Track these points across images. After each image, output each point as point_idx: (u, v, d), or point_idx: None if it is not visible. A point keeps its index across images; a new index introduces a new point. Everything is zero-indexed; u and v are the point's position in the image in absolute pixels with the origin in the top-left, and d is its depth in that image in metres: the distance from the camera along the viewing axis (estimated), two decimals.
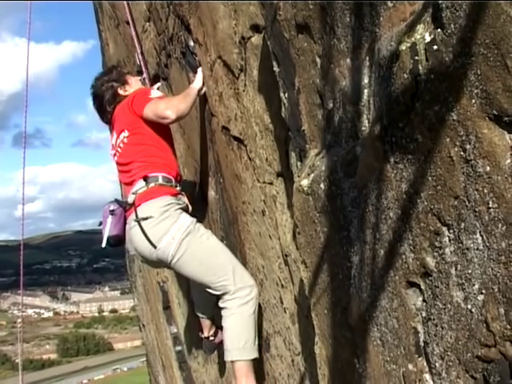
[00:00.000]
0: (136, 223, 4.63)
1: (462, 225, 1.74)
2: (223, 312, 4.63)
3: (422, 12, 1.81)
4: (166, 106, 4.75)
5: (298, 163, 3.15)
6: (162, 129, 4.89)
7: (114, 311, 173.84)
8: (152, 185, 4.70)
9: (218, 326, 5.19)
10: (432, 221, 1.87)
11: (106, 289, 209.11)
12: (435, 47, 1.71)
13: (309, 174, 2.77)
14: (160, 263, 4.88)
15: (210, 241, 4.75)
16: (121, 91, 5.22)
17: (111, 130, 5.26)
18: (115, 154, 5.04)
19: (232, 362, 4.61)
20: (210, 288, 4.69)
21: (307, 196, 2.76)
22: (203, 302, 5.36)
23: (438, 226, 1.85)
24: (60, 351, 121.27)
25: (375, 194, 2.15)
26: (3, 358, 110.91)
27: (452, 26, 1.64)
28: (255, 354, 4.61)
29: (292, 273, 4.00)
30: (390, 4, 2.02)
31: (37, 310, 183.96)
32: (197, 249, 4.65)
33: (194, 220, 4.74)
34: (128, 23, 6.58)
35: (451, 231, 1.80)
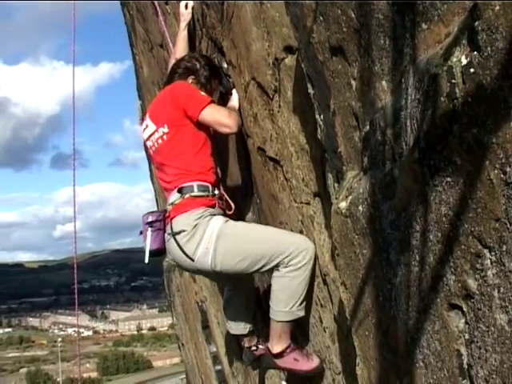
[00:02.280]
0: (171, 236, 4.57)
1: (504, 247, 1.73)
2: (274, 273, 4.50)
3: (457, 34, 1.81)
4: (229, 115, 4.65)
5: (335, 184, 3.15)
6: (203, 128, 4.74)
7: (152, 329, 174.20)
8: (187, 196, 4.60)
9: (259, 336, 5.12)
10: (473, 243, 1.85)
11: (144, 307, 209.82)
12: (472, 70, 1.70)
13: (347, 197, 2.77)
14: (205, 273, 4.87)
15: (244, 230, 4.69)
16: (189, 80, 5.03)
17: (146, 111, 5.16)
18: (152, 147, 4.93)
19: (272, 320, 4.59)
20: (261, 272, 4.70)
21: (346, 218, 2.76)
22: (238, 319, 5.29)
23: (479, 249, 1.83)
24: (100, 369, 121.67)
25: (414, 216, 2.14)
26: (45, 376, 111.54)
27: (489, 48, 1.64)
28: (300, 314, 4.51)
29: (331, 292, 3.99)
30: (424, 26, 2.02)
31: (77, 329, 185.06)
32: (234, 247, 4.52)
33: (225, 219, 4.62)
34: (162, 46, 6.64)
35: (493, 253, 1.78)
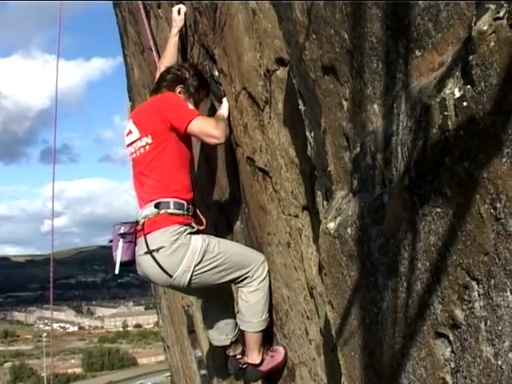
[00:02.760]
0: (148, 254, 4.63)
1: (492, 281, 1.72)
2: (244, 289, 4.85)
3: (451, 66, 1.79)
4: (216, 126, 4.65)
5: (324, 202, 3.14)
6: (185, 144, 4.78)
7: (138, 326, 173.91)
8: (162, 212, 4.63)
9: (244, 344, 5.21)
10: (461, 274, 1.84)
11: (131, 304, 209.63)
12: (465, 104, 1.69)
13: (335, 217, 2.75)
14: (177, 288, 5.00)
15: (222, 246, 4.80)
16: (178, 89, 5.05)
17: (129, 117, 5.13)
18: (133, 153, 4.91)
19: (248, 332, 4.95)
20: (230, 282, 4.94)
21: (334, 239, 2.75)
22: (219, 330, 5.33)
23: (467, 280, 1.82)
24: (85, 365, 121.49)
25: (403, 244, 2.13)
26: (29, 371, 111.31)
27: (482, 83, 1.62)
28: (268, 319, 4.95)
29: (317, 305, 3.98)
30: (417, 53, 2.01)
31: (62, 325, 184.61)
32: (213, 266, 4.72)
33: (204, 237, 4.73)
34: (151, 49, 6.62)
35: (481, 286, 1.77)
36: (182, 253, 4.59)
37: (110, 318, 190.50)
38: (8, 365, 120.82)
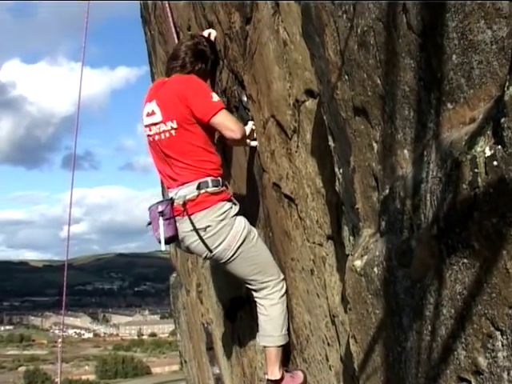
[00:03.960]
0: (193, 231, 4.86)
1: None
2: (264, 303, 5.01)
3: (482, 123, 1.85)
4: (236, 122, 4.87)
5: (351, 237, 3.19)
6: (210, 130, 4.89)
7: (153, 335, 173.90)
8: (203, 192, 4.80)
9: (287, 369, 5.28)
10: (485, 324, 1.89)
11: (146, 312, 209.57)
12: (495, 163, 1.74)
13: (362, 256, 2.80)
14: (211, 260, 5.42)
15: (259, 242, 5.08)
16: (197, 67, 5.09)
17: (150, 97, 5.15)
18: (155, 135, 4.98)
19: (269, 347, 5.06)
20: (251, 283, 5.08)
21: (360, 277, 2.80)
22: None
23: (491, 330, 1.87)
24: (99, 373, 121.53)
25: (429, 289, 2.18)
26: (43, 376, 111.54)
27: None
28: (287, 337, 5.09)
29: (339, 333, 4.02)
30: (449, 106, 2.07)
31: (77, 331, 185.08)
32: (249, 252, 4.97)
33: (247, 222, 5.02)
34: None
35: (504, 337, 1.81)
36: (225, 232, 4.86)
37: (126, 325, 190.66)
38: (22, 369, 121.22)
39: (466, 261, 1.94)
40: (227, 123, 4.76)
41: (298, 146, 4.30)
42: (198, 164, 4.83)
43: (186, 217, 4.84)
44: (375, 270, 2.66)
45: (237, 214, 4.96)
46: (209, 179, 4.82)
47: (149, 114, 5.03)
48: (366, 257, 2.77)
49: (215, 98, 4.81)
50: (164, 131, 4.88)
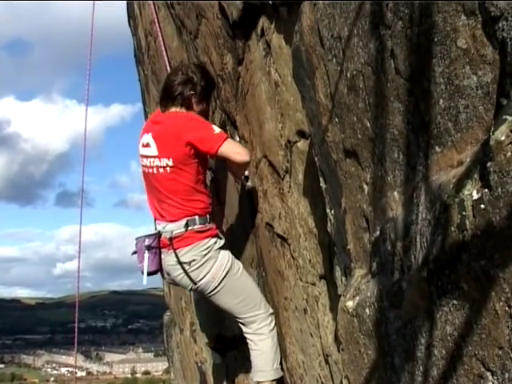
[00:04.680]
0: (178, 265, 4.93)
1: (507, 375, 1.77)
2: (254, 338, 5.04)
3: (470, 167, 1.88)
4: (242, 146, 5.00)
5: (343, 278, 3.22)
6: (203, 167, 4.97)
7: (146, 373, 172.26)
8: (190, 229, 4.88)
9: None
10: (476, 365, 1.90)
11: (140, 350, 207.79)
12: (482, 206, 1.77)
13: (354, 296, 2.83)
14: (196, 292, 5.42)
15: (243, 275, 5.12)
16: (192, 100, 5.02)
17: (147, 128, 5.16)
18: (149, 168, 5.00)
19: (263, 382, 5.04)
20: (238, 318, 5.10)
21: (352, 317, 2.82)
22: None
23: (481, 371, 1.88)
24: None
25: (420, 330, 2.20)
26: None
27: (499, 189, 1.71)
28: (281, 372, 5.08)
29: (332, 373, 4.01)
30: (437, 149, 2.10)
31: (70, 369, 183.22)
32: (233, 285, 5.01)
33: (230, 255, 5.05)
34: None
35: (495, 378, 1.83)
36: (210, 264, 4.92)
37: (119, 363, 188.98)
38: None
39: (455, 302, 1.96)
40: (234, 149, 4.79)
41: (290, 186, 4.33)
42: (187, 203, 4.90)
43: (172, 251, 4.93)
44: (367, 310, 2.68)
45: (222, 248, 5.01)
46: (196, 217, 4.89)
47: (144, 146, 5.07)
48: (357, 298, 2.80)
49: (216, 129, 4.84)
50: (158, 166, 4.91)
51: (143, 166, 5.09)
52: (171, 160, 4.83)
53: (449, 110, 2.02)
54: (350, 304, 2.83)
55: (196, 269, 4.91)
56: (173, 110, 5.01)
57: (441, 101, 2.05)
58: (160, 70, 7.34)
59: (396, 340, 2.43)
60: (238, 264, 5.12)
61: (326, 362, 4.15)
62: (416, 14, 2.12)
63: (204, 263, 4.90)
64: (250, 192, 5.21)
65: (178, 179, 4.87)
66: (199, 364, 8.40)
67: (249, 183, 5.25)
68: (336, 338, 3.55)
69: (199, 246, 4.90)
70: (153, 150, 4.95)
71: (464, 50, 1.91)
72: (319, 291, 4.15)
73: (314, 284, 4.21)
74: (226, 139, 4.77)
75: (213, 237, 4.98)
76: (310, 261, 4.20)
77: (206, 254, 4.90)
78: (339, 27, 2.77)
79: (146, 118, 10.24)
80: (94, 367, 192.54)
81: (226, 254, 5.02)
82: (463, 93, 1.94)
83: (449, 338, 2.03)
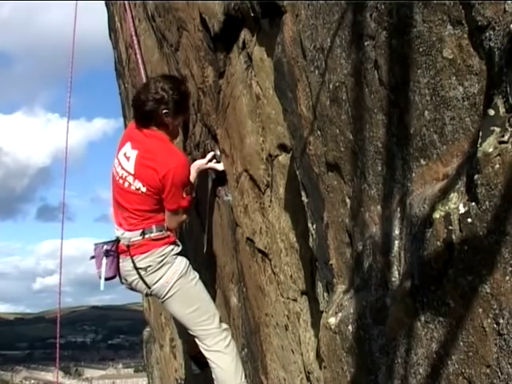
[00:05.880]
0: (134, 270, 5.00)
1: None
2: (211, 356, 5.01)
3: (455, 179, 1.84)
4: (178, 224, 5.23)
5: (325, 294, 3.16)
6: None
7: None
8: (147, 237, 4.94)
9: None
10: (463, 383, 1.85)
11: (120, 366, 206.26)
12: (469, 220, 1.72)
13: (336, 313, 2.77)
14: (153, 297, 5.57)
15: (198, 285, 5.12)
16: (166, 119, 4.94)
17: (122, 143, 5.15)
18: (120, 179, 5.02)
19: None
20: (191, 331, 5.09)
21: (334, 334, 2.76)
22: None
23: None
24: None
25: (405, 347, 2.15)
26: None
27: (487, 203, 1.66)
28: None
29: None
30: (422, 162, 2.06)
31: None
32: (186, 292, 5.03)
33: (187, 263, 5.06)
34: None
35: None
36: (165, 269, 4.96)
37: (99, 379, 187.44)
38: None
39: (441, 319, 1.91)
40: (173, 221, 5.06)
41: (271, 201, 4.28)
42: (146, 220, 4.99)
43: (129, 257, 5.00)
44: (350, 327, 2.62)
45: (179, 254, 5.05)
46: (153, 226, 4.96)
47: (124, 155, 5.04)
48: (340, 314, 2.74)
49: (185, 194, 4.97)
50: (130, 183, 4.93)
51: (116, 170, 5.09)
52: (145, 187, 4.88)
53: (434, 121, 1.98)
54: (333, 321, 2.78)
55: (151, 273, 4.97)
56: (149, 129, 4.96)
57: (426, 112, 2.01)
58: (140, 83, 7.27)
59: (380, 357, 2.38)
60: (195, 273, 5.10)
61: (308, 379, 4.09)
62: (400, 23, 2.08)
63: (159, 268, 4.95)
64: (230, 206, 5.16)
65: (144, 201, 4.94)
66: (179, 381, 8.33)
67: (228, 197, 5.21)
68: (318, 355, 3.50)
69: (155, 253, 4.95)
70: (130, 167, 4.95)
71: (450, 60, 1.87)
72: (300, 307, 4.10)
73: (295, 300, 4.16)
74: (181, 208, 5.01)
75: (170, 244, 5.00)
76: (291, 276, 4.15)
77: (161, 261, 4.95)
78: (322, 38, 2.73)
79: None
80: (74, 383, 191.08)
81: (184, 261, 5.04)
82: (449, 104, 1.90)
83: (434, 355, 1.98)
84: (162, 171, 4.79)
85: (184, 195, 4.93)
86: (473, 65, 1.80)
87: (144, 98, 4.95)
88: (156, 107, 4.87)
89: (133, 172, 4.91)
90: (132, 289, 5.29)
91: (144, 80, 6.62)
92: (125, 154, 5.01)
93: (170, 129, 4.96)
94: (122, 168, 4.98)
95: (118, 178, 5.02)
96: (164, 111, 4.86)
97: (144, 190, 4.87)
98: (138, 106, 5.04)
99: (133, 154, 4.96)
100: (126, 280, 5.17)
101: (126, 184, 4.94)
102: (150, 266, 4.95)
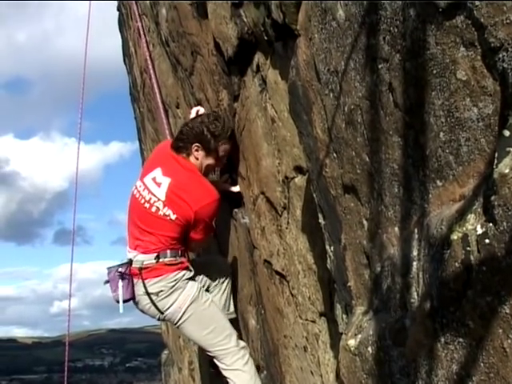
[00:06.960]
0: (146, 295, 5.05)
1: None
2: (229, 374, 5.05)
3: (473, 200, 1.84)
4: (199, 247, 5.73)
5: (344, 315, 3.16)
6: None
7: None
8: (161, 261, 4.99)
9: None
10: None
11: None
12: (487, 241, 1.73)
13: (356, 335, 2.77)
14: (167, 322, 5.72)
15: (212, 307, 5.17)
16: (195, 153, 5.09)
17: (150, 166, 5.31)
18: (145, 203, 5.07)
19: None
20: (209, 352, 5.16)
21: (354, 356, 2.76)
22: None
23: None
24: None
25: (425, 369, 2.14)
26: None
27: (504, 223, 1.67)
28: None
29: None
30: (439, 183, 2.07)
31: None
32: (201, 315, 5.08)
33: (200, 286, 5.15)
34: None
35: None
36: (177, 294, 5.01)
37: None
38: None
39: (461, 340, 1.91)
40: (196, 246, 5.58)
41: (288, 223, 4.29)
42: (163, 241, 5.02)
43: (140, 280, 5.03)
44: (369, 349, 2.62)
45: (191, 279, 5.10)
46: (168, 251, 5.00)
47: (152, 179, 5.12)
48: (359, 336, 2.74)
49: (211, 225, 5.22)
50: (158, 208, 4.98)
51: (140, 194, 5.13)
52: (174, 216, 4.95)
53: (449, 143, 1.98)
54: (352, 342, 2.77)
55: (163, 299, 5.01)
56: (182, 156, 5.11)
57: (441, 134, 2.01)
58: (156, 107, 7.34)
59: (400, 379, 2.37)
60: (207, 295, 5.18)
61: None
62: (413, 46, 2.10)
63: (171, 293, 4.99)
64: (247, 228, 5.18)
65: (172, 228, 5.01)
66: None
67: (245, 220, 5.23)
68: (337, 377, 3.49)
69: (168, 278, 4.99)
70: (161, 194, 5.02)
71: (464, 81, 1.88)
72: (319, 329, 4.10)
73: (313, 321, 4.16)
74: (206, 235, 5.30)
75: (183, 269, 5.05)
76: (309, 298, 4.15)
77: (173, 286, 4.99)
78: (335, 61, 2.75)
79: (142, 154, 10.25)
80: None
81: (196, 285, 5.10)
82: (464, 125, 1.91)
83: (455, 376, 1.97)
84: (195, 207, 4.92)
85: (211, 225, 5.12)
86: (487, 86, 1.81)
87: (188, 127, 5.16)
88: (193, 139, 5.05)
89: (163, 199, 4.98)
90: (143, 312, 5.33)
91: (160, 104, 6.69)
92: (154, 179, 5.08)
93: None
94: (150, 192, 5.04)
95: (143, 202, 5.06)
96: (196, 145, 5.06)
97: (173, 217, 4.94)
98: (181, 131, 5.23)
99: (165, 181, 5.04)
100: (139, 304, 5.20)
101: (154, 209, 4.99)
102: (161, 290, 5.00)
